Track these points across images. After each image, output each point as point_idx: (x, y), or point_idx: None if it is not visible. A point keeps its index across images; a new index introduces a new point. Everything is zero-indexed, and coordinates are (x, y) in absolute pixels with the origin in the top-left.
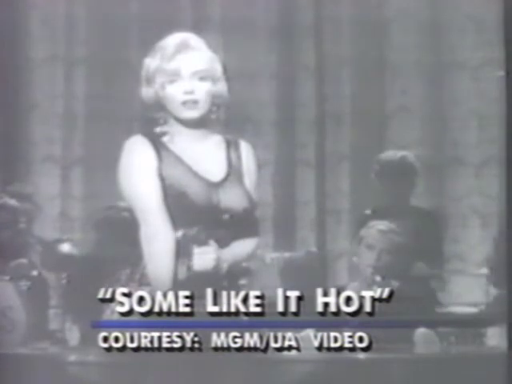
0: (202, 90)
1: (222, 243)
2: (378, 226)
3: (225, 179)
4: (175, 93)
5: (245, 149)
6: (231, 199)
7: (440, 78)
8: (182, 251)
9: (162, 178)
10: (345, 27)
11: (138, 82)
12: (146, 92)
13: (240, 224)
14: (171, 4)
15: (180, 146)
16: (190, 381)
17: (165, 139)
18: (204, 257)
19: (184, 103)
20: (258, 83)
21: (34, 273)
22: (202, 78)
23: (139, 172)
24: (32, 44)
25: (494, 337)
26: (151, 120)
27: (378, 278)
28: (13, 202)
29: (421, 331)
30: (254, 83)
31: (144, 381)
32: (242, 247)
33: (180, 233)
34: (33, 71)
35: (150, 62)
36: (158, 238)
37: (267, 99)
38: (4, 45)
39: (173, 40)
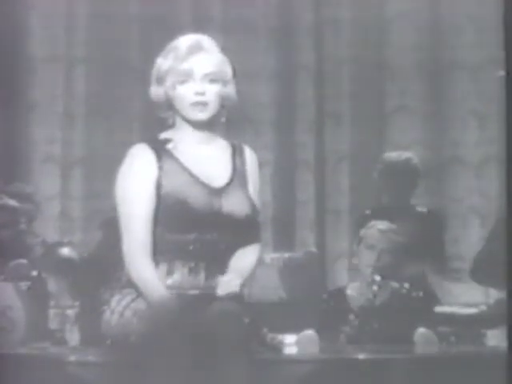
0: (213, 92)
1: (225, 250)
2: (378, 226)
3: (228, 184)
4: (186, 93)
5: (249, 155)
6: (234, 204)
7: (440, 77)
8: (182, 255)
9: (160, 187)
10: (345, 27)
11: (138, 81)
12: (156, 91)
13: (243, 230)
14: (172, 4)
15: (184, 151)
16: (190, 381)
17: (169, 146)
18: (230, 283)
19: (194, 104)
20: (258, 83)
21: (34, 273)
22: (212, 80)
23: (134, 182)
24: (32, 44)
25: (494, 337)
26: (159, 119)
27: (377, 278)
28: (13, 202)
29: (421, 331)
30: (254, 83)
31: (144, 381)
32: (251, 257)
33: (179, 237)
34: (33, 71)
35: (162, 62)
36: (139, 248)
37: (267, 99)
38: (4, 45)
39: (186, 41)
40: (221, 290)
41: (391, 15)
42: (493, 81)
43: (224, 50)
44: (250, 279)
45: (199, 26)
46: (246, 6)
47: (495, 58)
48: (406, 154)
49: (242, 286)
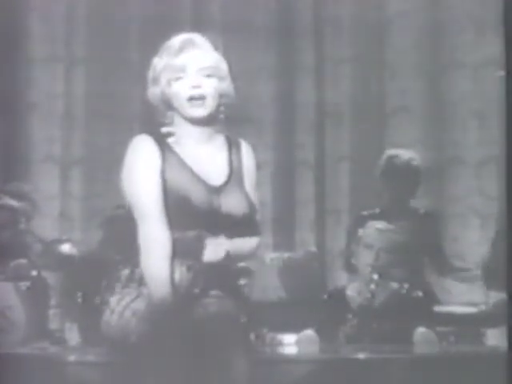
0: (209, 86)
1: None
2: (377, 226)
3: (226, 183)
4: (181, 88)
5: (245, 149)
6: (232, 203)
7: (440, 78)
8: (180, 254)
9: (164, 180)
10: (345, 27)
11: (138, 81)
12: (153, 92)
13: (241, 228)
14: (172, 4)
15: (185, 148)
16: (190, 381)
17: (170, 140)
18: (216, 248)
19: (190, 98)
20: (258, 83)
21: (34, 272)
22: (208, 76)
23: (142, 171)
24: (32, 44)
25: (494, 336)
26: (157, 120)
27: (375, 277)
28: (13, 201)
29: (420, 331)
30: (254, 83)
31: (144, 381)
32: (245, 243)
33: (179, 236)
34: (33, 71)
35: (157, 62)
36: (156, 240)
37: (267, 99)
38: (4, 45)
39: (178, 38)
40: (206, 256)
41: (391, 15)
42: (493, 81)
43: (224, 49)
44: (240, 258)
45: (199, 26)
46: (246, 6)
47: (495, 58)
48: (408, 154)
49: (228, 253)
